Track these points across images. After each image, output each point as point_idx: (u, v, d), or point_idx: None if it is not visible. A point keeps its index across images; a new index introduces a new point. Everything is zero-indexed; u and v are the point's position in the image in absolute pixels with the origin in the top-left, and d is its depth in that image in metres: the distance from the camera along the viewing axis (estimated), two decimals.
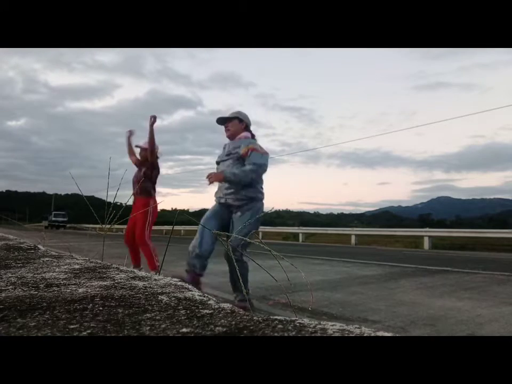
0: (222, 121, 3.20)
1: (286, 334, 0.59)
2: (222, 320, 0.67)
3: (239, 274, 2.61)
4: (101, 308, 0.75)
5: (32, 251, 1.82)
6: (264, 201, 3.10)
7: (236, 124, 3.15)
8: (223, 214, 3.07)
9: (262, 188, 3.08)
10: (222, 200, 3.05)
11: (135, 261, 4.18)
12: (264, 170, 3.01)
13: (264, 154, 3.02)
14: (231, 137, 3.15)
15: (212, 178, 2.93)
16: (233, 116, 3.16)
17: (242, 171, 2.91)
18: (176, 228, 21.67)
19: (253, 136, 3.22)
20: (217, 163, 3.20)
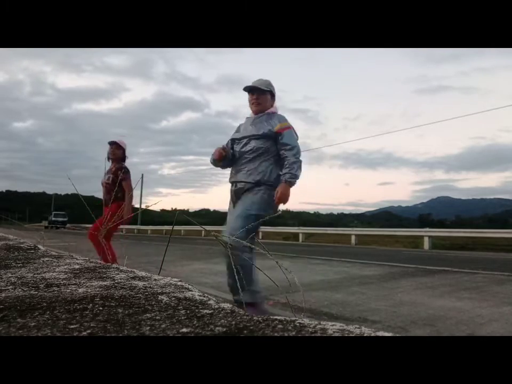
0: (253, 90, 2.64)
1: (286, 334, 0.59)
2: (222, 320, 0.67)
3: (236, 266, 2.29)
4: (101, 308, 0.75)
5: (32, 251, 1.82)
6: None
7: (267, 99, 2.63)
8: (232, 205, 2.62)
9: (277, 174, 2.54)
10: (234, 186, 2.61)
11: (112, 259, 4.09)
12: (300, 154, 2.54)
13: (293, 130, 2.58)
14: (259, 112, 2.62)
15: (282, 199, 2.44)
16: (267, 89, 2.63)
17: (292, 166, 2.44)
18: (176, 227, 21.69)
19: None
20: (233, 141, 2.67)
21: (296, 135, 2.61)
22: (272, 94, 2.67)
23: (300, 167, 2.50)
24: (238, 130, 2.72)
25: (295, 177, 2.47)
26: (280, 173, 2.50)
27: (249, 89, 2.65)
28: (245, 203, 2.51)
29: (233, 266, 2.39)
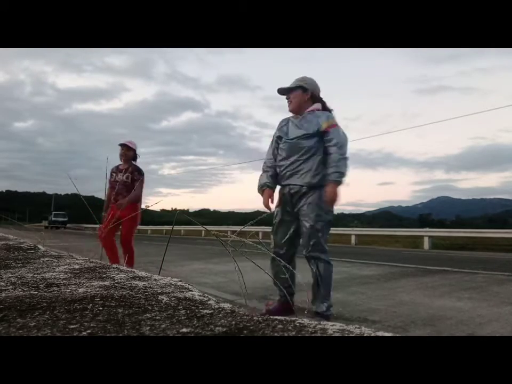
0: (284, 91, 2.67)
1: (286, 334, 0.59)
2: (222, 320, 0.67)
3: (319, 277, 2.35)
4: (101, 308, 0.75)
5: (32, 251, 1.82)
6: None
7: (299, 95, 2.60)
8: (288, 208, 2.56)
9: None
10: (286, 190, 2.55)
11: (116, 260, 4.12)
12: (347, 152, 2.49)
13: (339, 128, 2.51)
14: (295, 110, 2.62)
15: (333, 200, 2.43)
16: (296, 85, 2.62)
17: (338, 164, 2.40)
18: (176, 227, 21.69)
19: (325, 107, 2.64)
20: (280, 138, 2.64)
21: (345, 135, 2.54)
22: (304, 89, 2.60)
23: (346, 165, 2.44)
24: (282, 130, 2.66)
25: (342, 175, 2.41)
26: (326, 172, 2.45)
27: (281, 93, 2.65)
28: (313, 209, 2.46)
29: (315, 276, 2.40)
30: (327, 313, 2.39)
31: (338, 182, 2.41)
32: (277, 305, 2.59)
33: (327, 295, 2.42)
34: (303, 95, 2.60)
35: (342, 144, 2.46)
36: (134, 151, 4.28)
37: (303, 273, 2.44)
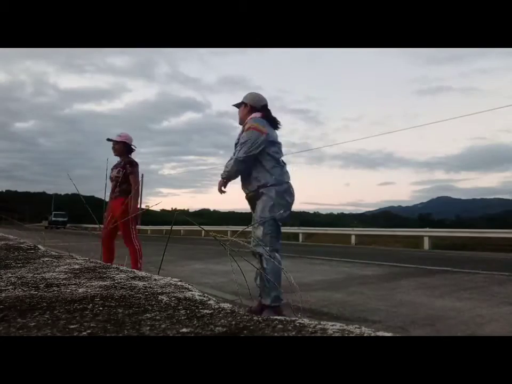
0: (237, 107, 3.02)
1: (286, 334, 0.59)
2: (222, 320, 0.67)
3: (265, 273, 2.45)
4: (101, 308, 0.75)
5: (32, 251, 1.82)
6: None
7: (241, 109, 2.97)
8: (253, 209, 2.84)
9: (276, 170, 2.74)
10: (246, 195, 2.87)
11: (110, 260, 3.87)
12: (253, 148, 2.65)
13: (255, 130, 2.69)
14: (240, 123, 2.96)
15: (219, 188, 2.84)
16: (239, 102, 2.96)
17: (229, 163, 2.76)
18: (176, 227, 21.67)
19: (268, 116, 2.87)
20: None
21: (255, 135, 2.69)
22: (244, 104, 2.93)
23: (232, 168, 2.74)
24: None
25: (225, 173, 2.78)
26: (272, 171, 2.72)
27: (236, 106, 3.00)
28: (257, 210, 2.73)
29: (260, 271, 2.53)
30: (274, 304, 2.55)
31: (222, 176, 2.82)
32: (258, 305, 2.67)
33: (272, 287, 2.53)
34: (244, 109, 2.96)
35: (242, 145, 2.69)
36: (124, 143, 4.03)
37: (301, 274, 2.44)
